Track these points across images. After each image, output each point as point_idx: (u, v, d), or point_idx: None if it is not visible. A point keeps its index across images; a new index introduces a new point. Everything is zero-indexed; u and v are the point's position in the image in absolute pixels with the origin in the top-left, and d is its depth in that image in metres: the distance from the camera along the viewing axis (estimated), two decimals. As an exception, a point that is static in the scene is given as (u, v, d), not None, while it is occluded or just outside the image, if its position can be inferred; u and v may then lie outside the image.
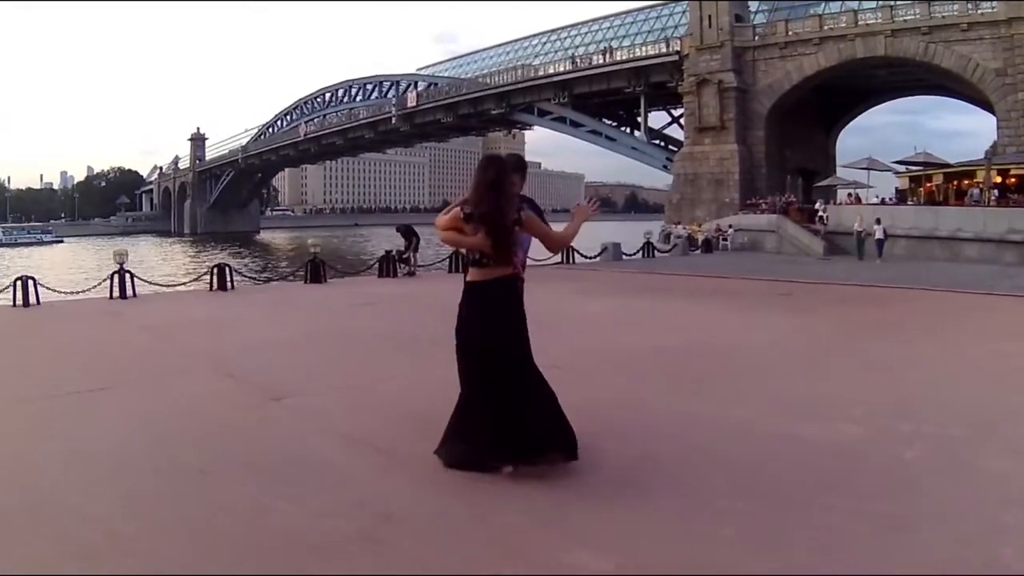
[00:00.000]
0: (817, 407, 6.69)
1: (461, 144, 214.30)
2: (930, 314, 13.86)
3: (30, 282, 15.27)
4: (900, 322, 12.76)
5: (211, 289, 17.41)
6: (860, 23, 47.31)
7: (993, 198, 31.26)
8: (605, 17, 72.81)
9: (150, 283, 18.17)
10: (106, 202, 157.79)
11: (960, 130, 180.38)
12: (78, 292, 17.74)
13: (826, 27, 48.76)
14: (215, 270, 17.64)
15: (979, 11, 42.88)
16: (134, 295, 16.40)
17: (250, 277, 21.93)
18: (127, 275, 16.33)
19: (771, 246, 36.09)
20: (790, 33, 50.27)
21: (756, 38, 51.84)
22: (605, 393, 7.06)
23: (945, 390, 7.52)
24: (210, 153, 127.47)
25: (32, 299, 15.19)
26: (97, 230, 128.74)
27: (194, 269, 38.09)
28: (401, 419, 6.00)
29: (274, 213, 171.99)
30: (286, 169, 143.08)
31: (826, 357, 9.33)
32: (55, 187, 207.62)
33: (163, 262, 60.32)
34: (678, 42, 56.42)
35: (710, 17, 52.01)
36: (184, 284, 19.24)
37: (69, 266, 49.37)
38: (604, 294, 16.57)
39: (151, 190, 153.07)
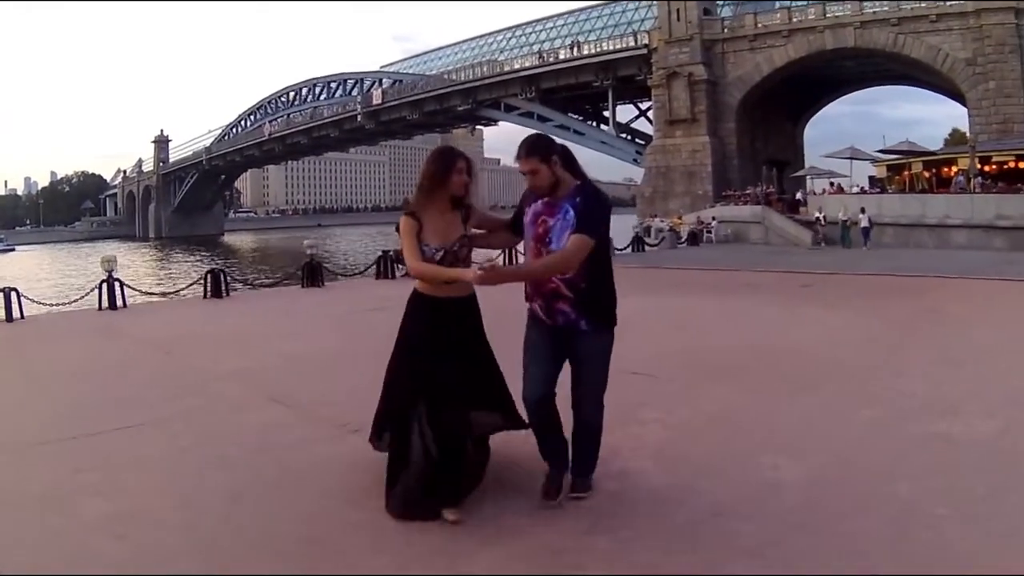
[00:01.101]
0: (933, 404, 6.43)
1: (420, 142, 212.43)
2: (966, 302, 13.69)
3: (13, 294, 14.19)
4: (943, 311, 12.47)
5: (205, 296, 16.47)
6: (829, 15, 47.76)
7: (978, 185, 31.24)
8: (572, 12, 72.56)
9: (141, 291, 17.20)
10: (71, 207, 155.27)
11: (917, 119, 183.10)
12: (63, 304, 16.68)
13: (795, 19, 49.24)
14: (209, 276, 16.69)
15: (948, 2, 43.61)
16: (124, 305, 15.45)
17: (241, 282, 20.86)
18: (117, 284, 15.34)
19: (756, 237, 35.99)
20: (759, 26, 50.68)
21: (725, 31, 52.11)
22: (712, 405, 6.59)
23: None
24: (174, 155, 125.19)
25: (16, 313, 14.16)
26: (62, 236, 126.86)
27: (169, 275, 36.79)
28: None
29: (237, 215, 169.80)
30: (248, 170, 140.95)
31: (901, 352, 8.93)
32: (19, 193, 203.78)
33: (135, 267, 58.89)
34: (646, 36, 56.38)
35: (678, 11, 52.21)
36: (177, 293, 18.29)
37: (29, 278, 47.46)
38: (627, 292, 16.00)
39: (115, 194, 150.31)
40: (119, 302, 15.30)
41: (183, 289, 18.71)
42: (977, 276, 17.52)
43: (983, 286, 16.09)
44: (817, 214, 32.81)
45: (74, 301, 16.80)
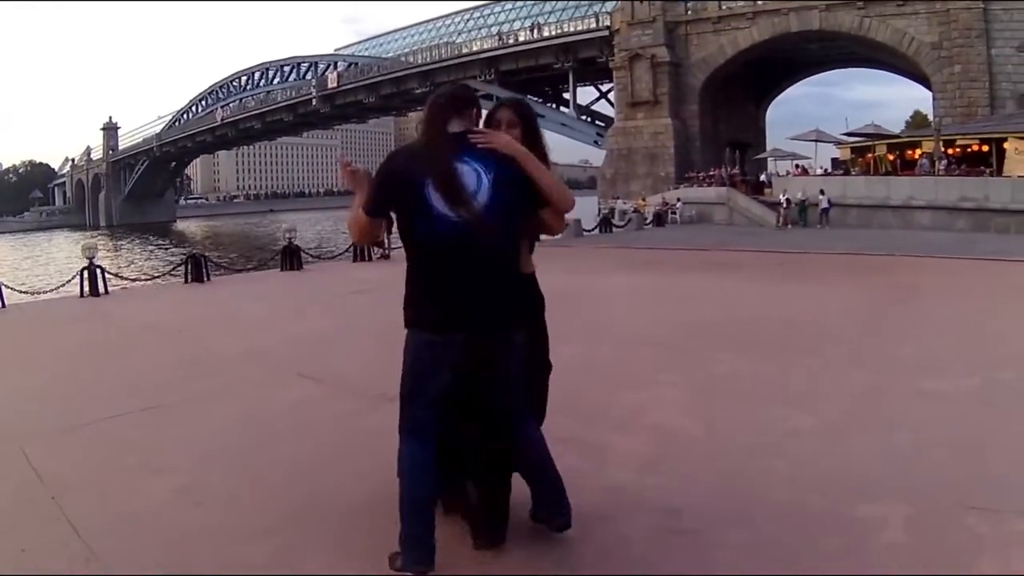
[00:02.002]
0: (921, 365, 7.12)
1: (373, 125, 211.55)
2: (936, 277, 14.45)
3: (-4, 283, 14.09)
4: (916, 285, 13.16)
5: (186, 281, 16.38)
6: None
7: (942, 168, 32.02)
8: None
9: (121, 278, 17.09)
10: (18, 197, 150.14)
11: (877, 101, 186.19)
12: (42, 292, 16.54)
13: (760, 2, 49.22)
14: (190, 261, 16.61)
15: (915, -14, 43.80)
16: (106, 292, 15.35)
17: (220, 266, 20.81)
18: (98, 271, 15.24)
19: (720, 218, 36.55)
20: (723, 8, 50.73)
21: (688, 13, 52.06)
22: (723, 368, 7.07)
23: (1015, 343, 8.08)
24: (124, 142, 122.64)
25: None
26: (10, 227, 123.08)
27: (131, 263, 36.37)
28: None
29: (188, 202, 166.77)
30: (199, 156, 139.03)
31: (884, 321, 9.63)
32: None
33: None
34: (608, 17, 56.37)
35: (642, -9, 52.01)
36: (158, 278, 18.20)
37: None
38: (603, 271, 16.40)
39: (64, 183, 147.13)
40: (101, 289, 15.21)
41: (164, 274, 18.53)
42: (942, 255, 18.22)
43: (950, 264, 16.77)
44: (782, 196, 33.43)
45: (54, 289, 16.66)
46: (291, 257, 18.18)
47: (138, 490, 4.45)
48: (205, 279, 16.52)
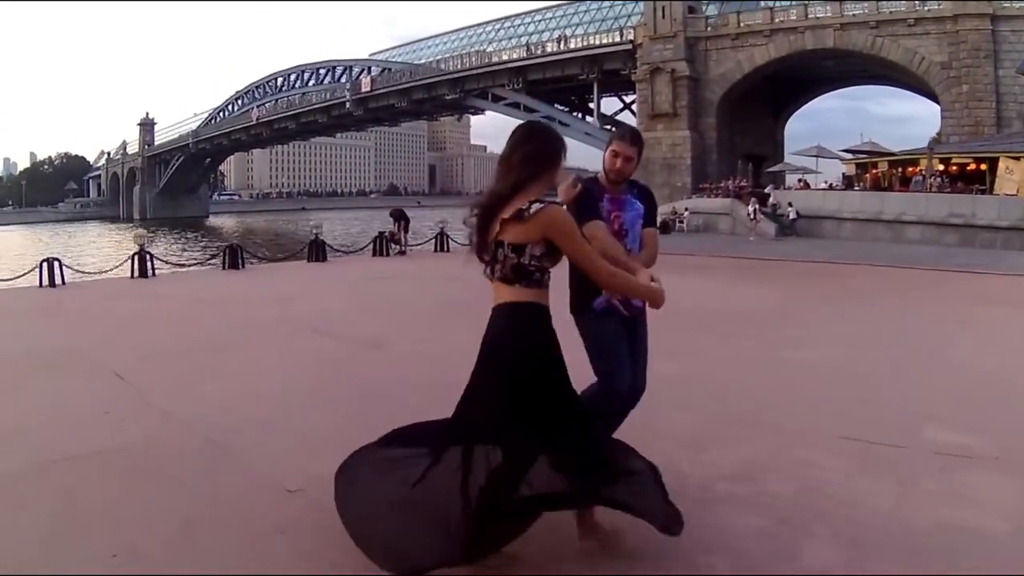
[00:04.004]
0: (804, 340, 9.19)
1: (407, 128, 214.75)
2: (878, 282, 16.41)
3: (56, 264, 16.14)
4: (852, 288, 15.22)
5: (224, 268, 18.60)
6: (810, 16, 49.22)
7: (935, 184, 33.43)
8: (559, 5, 74.30)
9: (166, 263, 19.32)
10: (53, 188, 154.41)
11: (903, 116, 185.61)
12: (98, 273, 18.76)
13: (777, 20, 50.64)
14: (227, 251, 18.84)
15: (926, 7, 44.87)
16: (154, 275, 17.54)
17: (254, 257, 23.06)
18: (148, 256, 17.43)
19: (724, 228, 38.19)
20: (742, 25, 52.05)
21: (708, 29, 53.51)
22: (678, 345, 8.48)
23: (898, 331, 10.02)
24: (159, 138, 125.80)
25: (58, 280, 16.03)
26: (45, 217, 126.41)
27: (168, 253, 38.91)
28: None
29: (221, 198, 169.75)
30: (234, 154, 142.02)
31: (801, 312, 11.80)
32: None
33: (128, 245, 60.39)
34: (632, 31, 57.91)
35: (664, 8, 53.65)
36: (198, 264, 20.46)
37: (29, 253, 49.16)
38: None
39: (99, 176, 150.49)
40: (149, 272, 17.40)
41: (204, 262, 20.75)
42: (908, 266, 19.75)
43: (908, 274, 18.33)
44: (750, 208, 35.31)
45: (107, 271, 18.87)
46: (317, 250, 20.35)
47: (196, 390, 6.73)
48: (240, 266, 18.71)
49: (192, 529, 3.84)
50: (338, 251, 23.27)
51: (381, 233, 22.26)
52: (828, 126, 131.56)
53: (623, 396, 4.24)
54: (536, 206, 3.21)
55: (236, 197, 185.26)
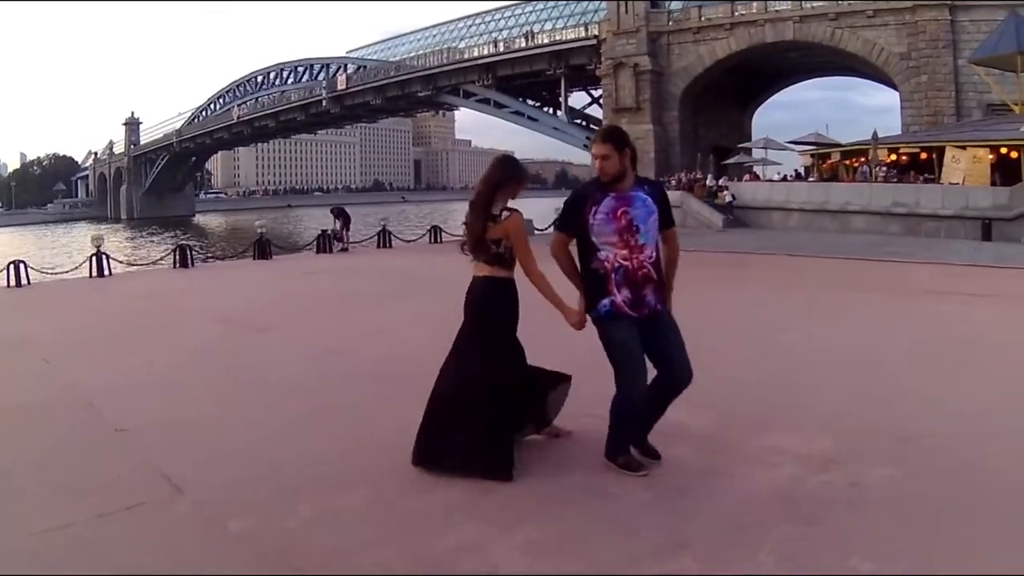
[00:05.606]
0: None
1: (391, 124, 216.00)
2: (784, 273, 17.44)
3: (21, 265, 17.73)
4: (744, 278, 16.44)
5: (175, 266, 20.13)
6: (770, 10, 50.12)
7: (881, 175, 34.28)
8: (528, 1, 75.45)
9: (121, 262, 20.85)
10: (42, 189, 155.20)
11: (888, 106, 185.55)
12: (57, 273, 20.30)
13: (737, 13, 51.41)
14: (178, 250, 20.36)
15: (885, -2, 45.32)
16: (110, 274, 19.05)
17: (204, 255, 24.59)
18: (104, 257, 18.92)
19: (676, 220, 39.10)
20: (703, 19, 52.85)
21: (671, 23, 54.38)
22: None
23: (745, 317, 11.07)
24: (145, 137, 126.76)
25: (24, 280, 17.67)
26: (34, 218, 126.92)
27: (148, 253, 40.48)
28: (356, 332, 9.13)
29: (208, 196, 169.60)
30: (219, 152, 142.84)
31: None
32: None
33: (111, 246, 61.67)
34: (596, 27, 58.94)
35: (627, 4, 54.58)
36: (152, 263, 21.99)
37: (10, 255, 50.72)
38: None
39: (87, 176, 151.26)
40: (106, 271, 18.90)
41: (157, 261, 22.27)
42: (826, 255, 20.35)
43: (819, 263, 19.08)
44: (724, 190, 36.95)
45: (67, 271, 20.38)
46: (262, 248, 21.86)
47: (126, 359, 8.51)
48: (190, 265, 20.22)
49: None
50: (280, 248, 24.67)
51: (324, 231, 23.80)
52: (814, 117, 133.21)
53: (637, 400, 4.64)
54: (505, 213, 4.72)
55: (223, 195, 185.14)
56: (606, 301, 4.48)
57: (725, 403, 6.16)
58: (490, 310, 4.86)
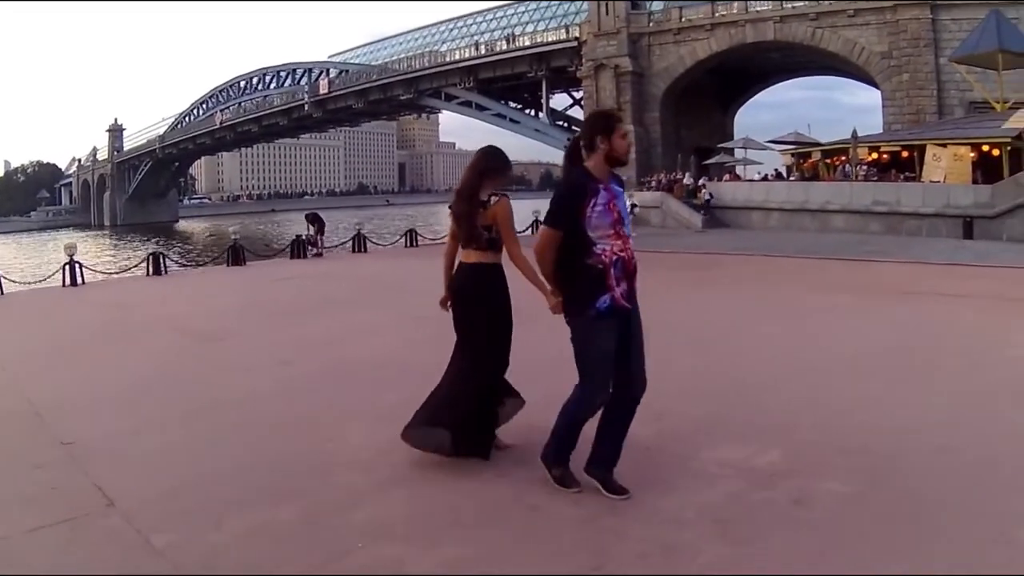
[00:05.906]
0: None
1: (375, 127, 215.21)
2: (757, 272, 17.61)
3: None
4: (715, 280, 16.48)
5: (148, 275, 20.02)
6: (750, 10, 50.02)
7: (862, 173, 34.38)
8: (509, 4, 75.41)
9: (95, 271, 20.72)
10: (26, 197, 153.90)
11: (873, 105, 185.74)
12: (32, 283, 20.17)
13: (718, 14, 51.21)
14: (151, 258, 20.24)
15: (865, -2, 45.33)
16: (83, 282, 18.91)
17: (179, 263, 24.48)
18: (77, 266, 18.79)
19: (656, 221, 39.11)
20: (683, 20, 52.63)
21: (651, 24, 54.20)
22: None
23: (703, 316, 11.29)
24: (128, 143, 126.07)
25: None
26: (17, 226, 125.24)
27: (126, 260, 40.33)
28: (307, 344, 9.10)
29: (192, 202, 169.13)
30: (201, 157, 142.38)
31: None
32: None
33: (91, 254, 61.59)
34: (577, 29, 58.76)
35: (607, 5, 54.36)
36: (126, 271, 21.87)
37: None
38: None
39: (71, 183, 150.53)
40: (79, 280, 18.76)
41: (130, 269, 22.18)
42: (801, 255, 20.45)
43: (793, 263, 19.21)
44: (703, 191, 37.12)
45: (41, 281, 20.27)
46: (235, 255, 21.74)
47: (82, 370, 8.45)
48: (163, 272, 20.11)
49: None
50: (261, 256, 24.59)
51: (298, 236, 23.75)
52: (797, 116, 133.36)
53: (599, 405, 4.53)
54: (493, 199, 4.96)
55: (206, 201, 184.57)
56: (606, 297, 4.31)
57: (674, 414, 6.02)
58: (488, 294, 5.09)
